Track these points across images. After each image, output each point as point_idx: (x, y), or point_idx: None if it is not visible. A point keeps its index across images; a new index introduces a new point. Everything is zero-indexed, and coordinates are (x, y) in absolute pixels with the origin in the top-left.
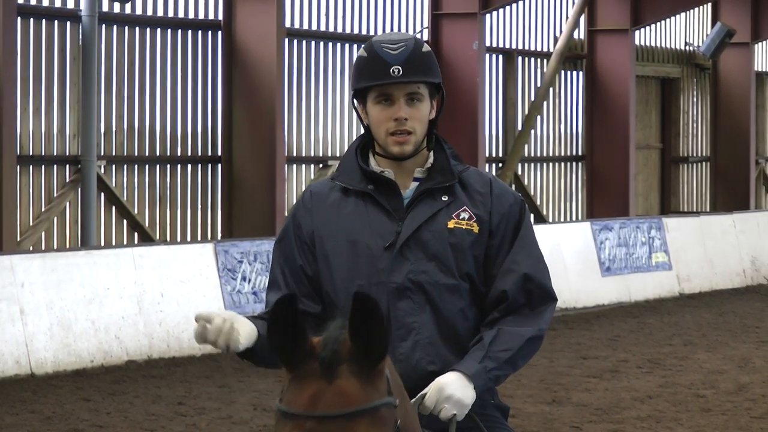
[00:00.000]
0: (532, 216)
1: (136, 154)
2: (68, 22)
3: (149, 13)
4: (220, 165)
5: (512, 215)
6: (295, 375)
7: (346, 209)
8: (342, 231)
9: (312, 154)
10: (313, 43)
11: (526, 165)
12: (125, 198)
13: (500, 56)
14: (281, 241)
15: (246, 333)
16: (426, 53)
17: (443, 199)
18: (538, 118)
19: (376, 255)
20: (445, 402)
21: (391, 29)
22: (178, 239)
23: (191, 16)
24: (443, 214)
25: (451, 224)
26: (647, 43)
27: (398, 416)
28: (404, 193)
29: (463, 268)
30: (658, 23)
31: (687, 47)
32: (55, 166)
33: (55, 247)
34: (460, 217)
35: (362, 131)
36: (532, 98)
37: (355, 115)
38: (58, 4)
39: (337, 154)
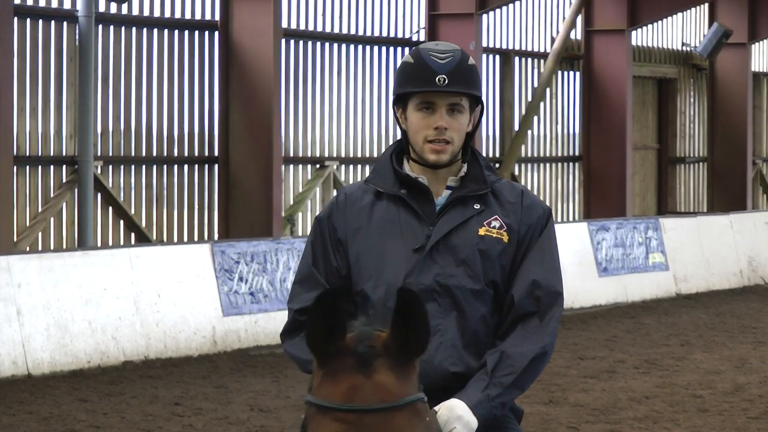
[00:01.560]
0: None
1: (132, 154)
2: (65, 23)
3: (146, 13)
4: (217, 165)
5: (538, 226)
6: (328, 369)
7: (378, 212)
8: (373, 233)
9: (309, 155)
10: (310, 43)
11: (522, 165)
12: (122, 198)
13: (497, 57)
14: (316, 241)
15: None
16: (471, 66)
17: (475, 207)
18: (535, 118)
19: (405, 257)
20: (456, 421)
21: (389, 30)
22: (175, 240)
23: (188, 16)
24: (474, 222)
25: (482, 231)
26: (644, 44)
27: (428, 414)
28: (436, 200)
29: (489, 275)
30: (655, 23)
31: (684, 47)
32: (51, 166)
33: (52, 248)
34: (491, 226)
35: (359, 131)
36: (529, 98)
37: (352, 115)
38: (54, 4)
39: (334, 155)
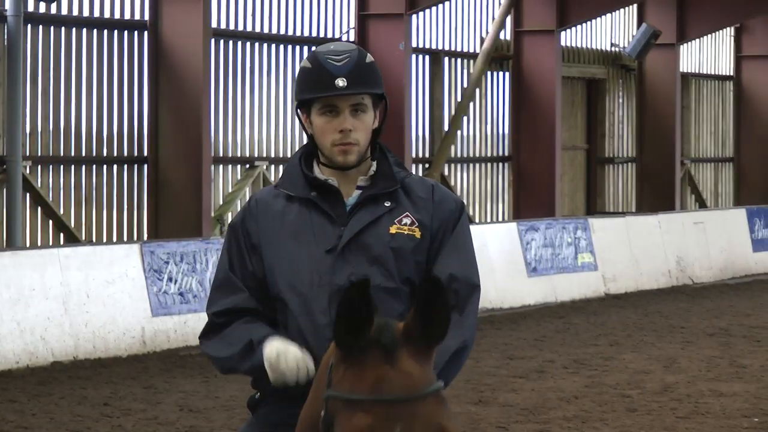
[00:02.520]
0: None
1: (62, 154)
2: None
3: (75, 13)
4: (146, 165)
5: (451, 220)
6: (352, 361)
7: (290, 216)
8: (286, 236)
9: (238, 155)
10: (239, 43)
11: (452, 166)
12: (51, 198)
13: (426, 57)
14: (231, 247)
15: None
16: (369, 64)
17: (386, 204)
18: (465, 118)
19: (318, 258)
20: None
21: (318, 30)
22: (104, 240)
23: (117, 16)
24: (386, 219)
25: (393, 229)
26: (573, 44)
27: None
28: (347, 201)
29: (404, 272)
30: (584, 24)
31: (613, 48)
32: None
33: None
34: (402, 223)
35: (288, 131)
36: (459, 99)
37: (281, 115)
38: None
39: (264, 155)
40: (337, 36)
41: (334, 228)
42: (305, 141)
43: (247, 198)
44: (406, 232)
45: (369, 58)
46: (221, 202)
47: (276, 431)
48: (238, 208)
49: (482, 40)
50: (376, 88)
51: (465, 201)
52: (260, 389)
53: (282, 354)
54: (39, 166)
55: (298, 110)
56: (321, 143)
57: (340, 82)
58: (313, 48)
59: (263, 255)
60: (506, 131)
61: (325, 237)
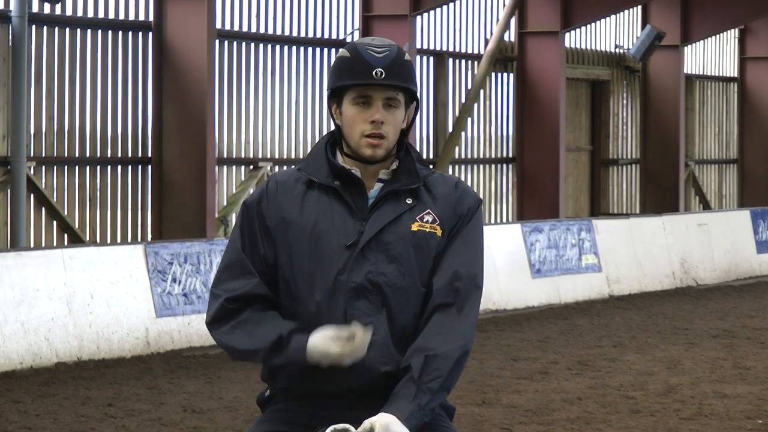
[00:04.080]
0: None
1: (66, 155)
2: None
3: (80, 14)
4: (150, 166)
5: (467, 216)
6: None
7: (311, 202)
8: (305, 224)
9: (242, 156)
10: (243, 44)
11: (456, 167)
12: (55, 199)
13: (431, 58)
14: (243, 227)
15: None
16: (407, 61)
17: (407, 201)
18: (469, 120)
19: (337, 252)
20: None
21: (322, 31)
22: (108, 240)
23: (122, 17)
24: (407, 217)
25: (414, 227)
26: (577, 46)
27: None
28: (369, 194)
29: (424, 271)
30: (588, 25)
31: (617, 50)
32: None
33: None
34: (424, 220)
35: (293, 132)
36: (463, 100)
37: (286, 116)
38: None
39: (268, 156)
40: (341, 38)
41: (355, 221)
42: (309, 141)
43: None
44: (427, 230)
45: (407, 56)
46: (225, 203)
47: (287, 428)
48: None
49: (486, 42)
50: (412, 84)
51: None
52: (271, 386)
53: (331, 339)
54: (43, 167)
55: (329, 99)
56: (349, 134)
57: (378, 73)
58: (353, 41)
59: (277, 240)
60: (510, 132)
61: (344, 229)
